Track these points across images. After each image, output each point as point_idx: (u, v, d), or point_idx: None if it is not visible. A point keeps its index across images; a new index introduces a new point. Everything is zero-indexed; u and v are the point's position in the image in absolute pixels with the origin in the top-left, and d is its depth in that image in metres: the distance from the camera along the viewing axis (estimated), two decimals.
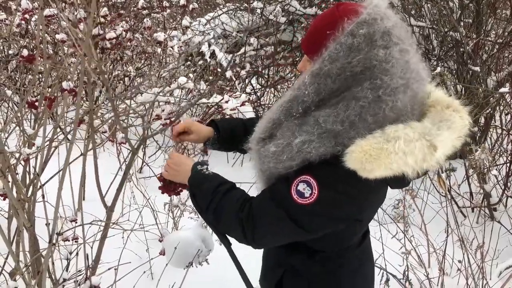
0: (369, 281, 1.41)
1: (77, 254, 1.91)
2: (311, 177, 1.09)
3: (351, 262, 1.31)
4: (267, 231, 1.16)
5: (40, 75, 3.70)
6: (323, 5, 4.53)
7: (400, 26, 1.10)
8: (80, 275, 2.00)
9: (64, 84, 1.57)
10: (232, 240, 1.32)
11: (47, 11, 2.57)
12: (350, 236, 1.27)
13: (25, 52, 1.66)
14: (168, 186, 1.45)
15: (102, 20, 3.16)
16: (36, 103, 1.58)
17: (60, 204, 1.99)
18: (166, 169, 1.39)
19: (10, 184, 1.75)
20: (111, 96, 1.68)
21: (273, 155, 1.13)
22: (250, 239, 1.17)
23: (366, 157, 1.02)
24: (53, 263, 1.75)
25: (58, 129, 2.01)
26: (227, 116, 2.48)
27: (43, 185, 1.82)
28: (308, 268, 1.27)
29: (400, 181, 1.15)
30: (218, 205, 1.21)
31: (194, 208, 1.36)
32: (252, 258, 1.69)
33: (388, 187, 1.24)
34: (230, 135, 1.50)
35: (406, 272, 2.60)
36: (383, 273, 2.46)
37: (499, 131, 4.30)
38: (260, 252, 1.47)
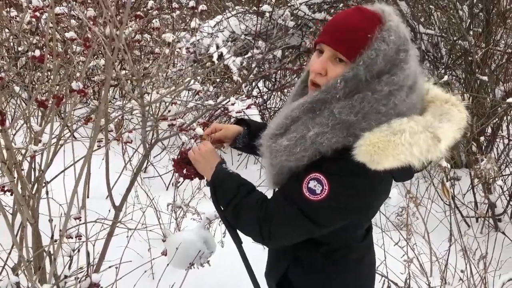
0: (371, 274, 1.44)
1: (78, 251, 1.92)
2: (321, 174, 1.13)
3: (355, 254, 1.34)
4: (283, 230, 1.20)
5: (49, 73, 3.72)
6: (332, 10, 4.54)
7: (404, 27, 1.16)
8: (81, 272, 2.01)
9: (74, 85, 1.58)
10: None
11: (57, 9, 2.59)
12: (355, 230, 1.31)
13: (37, 52, 1.67)
14: (183, 166, 1.42)
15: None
16: (46, 102, 1.59)
17: (64, 202, 2.00)
18: (194, 151, 1.40)
19: (15, 180, 1.76)
20: (143, 103, 1.69)
21: (286, 148, 1.16)
22: (267, 239, 1.21)
23: (374, 149, 1.06)
24: (55, 259, 1.76)
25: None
26: (233, 119, 2.49)
27: (49, 182, 1.83)
28: (314, 260, 1.31)
29: (405, 174, 1.22)
30: (239, 203, 1.25)
31: (213, 205, 1.36)
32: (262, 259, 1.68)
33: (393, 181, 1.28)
34: (259, 131, 1.51)
35: (408, 280, 2.59)
36: (384, 280, 2.45)
37: (506, 141, 4.28)
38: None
